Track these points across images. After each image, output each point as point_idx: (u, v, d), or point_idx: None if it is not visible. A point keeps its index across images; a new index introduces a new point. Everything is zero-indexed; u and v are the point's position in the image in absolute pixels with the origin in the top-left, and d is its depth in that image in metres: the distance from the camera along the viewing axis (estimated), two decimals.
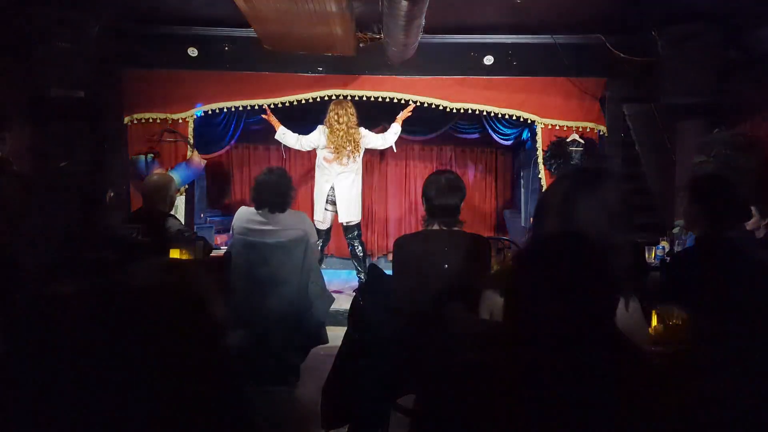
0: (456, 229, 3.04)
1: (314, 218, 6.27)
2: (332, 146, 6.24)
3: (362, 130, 6.42)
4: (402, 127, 6.62)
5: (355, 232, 6.52)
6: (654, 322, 2.23)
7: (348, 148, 6.23)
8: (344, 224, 6.46)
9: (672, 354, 2.07)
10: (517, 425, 1.26)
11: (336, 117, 6.23)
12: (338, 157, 6.26)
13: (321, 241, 6.14)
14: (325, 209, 6.37)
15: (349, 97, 6.56)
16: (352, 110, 6.31)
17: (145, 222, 3.71)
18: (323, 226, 6.33)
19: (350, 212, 6.38)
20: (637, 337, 1.68)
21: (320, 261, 4.51)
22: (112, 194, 4.36)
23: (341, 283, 7.01)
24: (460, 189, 3.03)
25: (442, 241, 2.99)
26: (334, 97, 6.57)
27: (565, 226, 1.67)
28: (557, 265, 1.31)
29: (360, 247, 6.47)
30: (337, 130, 6.22)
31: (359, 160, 6.43)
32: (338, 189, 6.31)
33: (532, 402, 1.25)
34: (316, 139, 6.33)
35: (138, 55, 6.26)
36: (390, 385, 2.88)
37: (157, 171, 4.42)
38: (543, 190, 6.30)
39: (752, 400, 1.18)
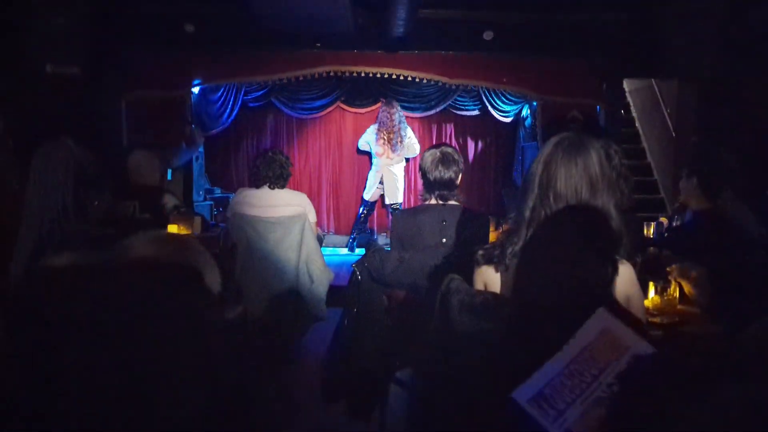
0: (453, 203, 3.03)
1: (363, 195, 7.70)
2: (382, 141, 7.28)
3: (410, 131, 7.47)
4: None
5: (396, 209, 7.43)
6: (651, 293, 2.23)
7: (395, 140, 7.23)
8: (389, 204, 7.49)
9: (668, 324, 2.08)
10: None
11: (388, 116, 7.22)
12: (386, 152, 7.29)
13: (366, 210, 7.68)
14: (376, 188, 7.51)
15: (347, 74, 6.61)
16: (400, 111, 7.32)
17: (141, 198, 3.69)
18: (372, 200, 7.61)
19: (394, 196, 7.44)
20: (634, 308, 1.67)
21: (320, 241, 4.53)
22: (108, 172, 4.33)
23: (340, 260, 7.03)
24: (456, 162, 3.01)
25: (438, 214, 2.98)
26: (332, 74, 6.57)
27: (547, 194, 1.64)
28: (544, 235, 1.30)
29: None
30: (386, 126, 7.23)
31: (403, 154, 7.42)
32: (386, 177, 7.40)
33: (528, 372, 1.26)
34: (369, 136, 7.43)
35: (135, 32, 6.18)
36: (388, 358, 2.89)
37: (152, 148, 4.38)
38: None
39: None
